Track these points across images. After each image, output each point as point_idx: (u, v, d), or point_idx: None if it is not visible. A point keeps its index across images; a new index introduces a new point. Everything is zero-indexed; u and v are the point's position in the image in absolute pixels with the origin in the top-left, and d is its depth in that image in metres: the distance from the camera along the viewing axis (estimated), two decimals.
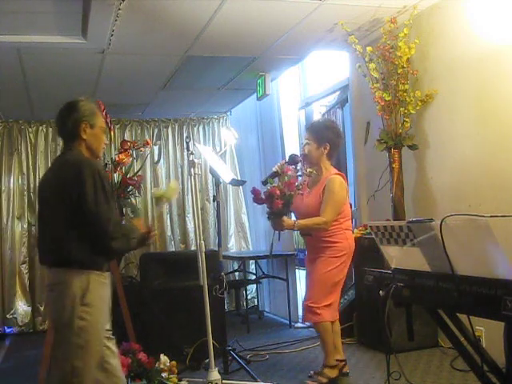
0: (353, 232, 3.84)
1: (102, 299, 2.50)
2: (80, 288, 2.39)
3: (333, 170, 3.71)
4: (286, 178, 3.49)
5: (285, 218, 3.52)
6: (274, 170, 3.61)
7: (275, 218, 3.51)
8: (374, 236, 2.41)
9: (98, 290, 2.46)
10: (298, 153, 4.21)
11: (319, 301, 3.56)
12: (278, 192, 3.39)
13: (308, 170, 3.63)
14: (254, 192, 3.53)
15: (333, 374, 3.61)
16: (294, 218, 3.74)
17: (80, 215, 2.40)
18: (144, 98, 6.01)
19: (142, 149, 4.81)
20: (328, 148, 3.66)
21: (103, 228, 2.40)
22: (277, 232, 3.56)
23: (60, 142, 6.60)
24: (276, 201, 3.39)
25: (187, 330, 4.26)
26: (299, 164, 3.68)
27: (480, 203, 3.64)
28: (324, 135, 3.66)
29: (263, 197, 3.48)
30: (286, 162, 3.63)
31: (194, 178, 3.72)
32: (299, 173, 3.64)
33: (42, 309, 6.35)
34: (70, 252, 2.40)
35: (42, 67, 4.72)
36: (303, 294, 4.00)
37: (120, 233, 2.46)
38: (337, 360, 3.76)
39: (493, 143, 3.61)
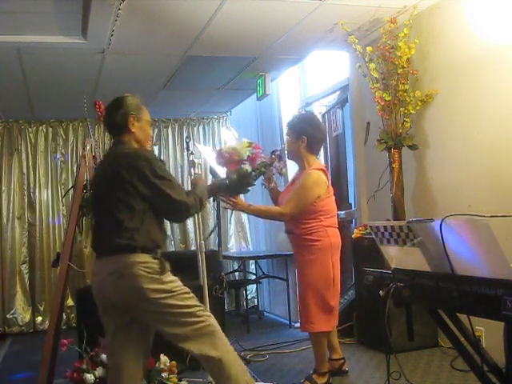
0: (352, 231, 3.81)
1: None
2: (156, 264, 2.55)
3: (315, 165, 3.61)
4: (249, 152, 3.32)
5: (239, 197, 3.43)
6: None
7: (228, 190, 3.27)
8: (373, 236, 2.41)
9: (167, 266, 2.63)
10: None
11: (312, 308, 3.47)
12: (226, 155, 3.21)
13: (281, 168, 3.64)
14: (219, 152, 3.34)
15: (321, 380, 3.54)
16: None
17: (143, 202, 2.56)
18: (144, 98, 5.97)
19: None
20: (305, 141, 3.58)
21: (181, 202, 2.63)
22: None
23: (60, 142, 6.64)
24: (230, 164, 3.18)
25: None
26: (282, 159, 3.65)
27: (480, 203, 3.64)
28: (300, 128, 3.61)
29: (222, 159, 3.28)
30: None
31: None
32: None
33: (41, 309, 6.37)
34: (135, 237, 2.53)
35: (41, 67, 4.72)
36: None
37: (194, 199, 2.71)
38: (334, 359, 3.76)
39: (493, 143, 3.60)
